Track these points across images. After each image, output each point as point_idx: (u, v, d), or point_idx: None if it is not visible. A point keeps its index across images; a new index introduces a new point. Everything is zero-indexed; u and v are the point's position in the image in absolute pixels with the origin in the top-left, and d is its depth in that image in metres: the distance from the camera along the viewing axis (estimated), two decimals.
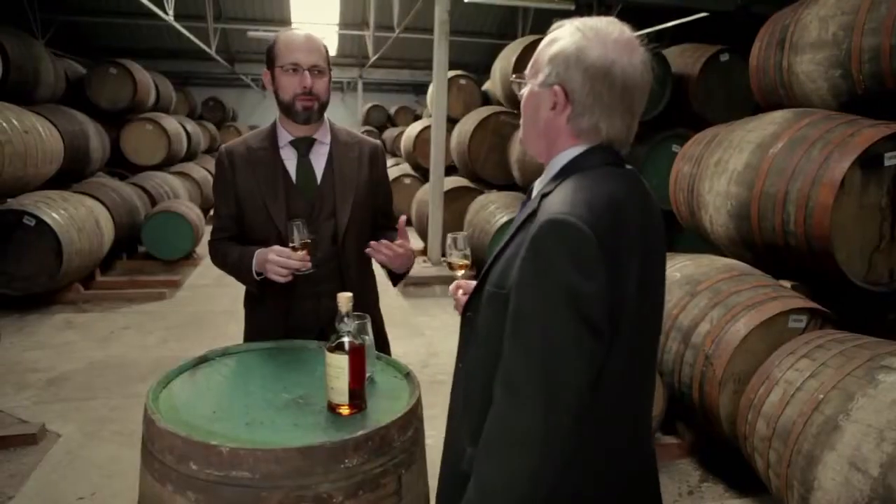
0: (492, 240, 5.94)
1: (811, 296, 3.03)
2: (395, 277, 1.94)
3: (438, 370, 4.33)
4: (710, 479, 3.03)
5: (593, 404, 1.01)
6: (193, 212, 7.53)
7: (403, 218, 1.89)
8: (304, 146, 1.89)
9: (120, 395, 3.83)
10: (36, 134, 5.56)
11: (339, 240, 1.88)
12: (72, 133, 6.49)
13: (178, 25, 8.98)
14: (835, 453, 2.07)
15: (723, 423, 2.86)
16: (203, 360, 1.69)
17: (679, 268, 3.41)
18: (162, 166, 8.87)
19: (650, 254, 1.06)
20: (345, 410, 1.38)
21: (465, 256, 1.53)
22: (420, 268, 6.70)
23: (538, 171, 1.16)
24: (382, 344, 1.96)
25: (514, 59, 6.63)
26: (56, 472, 2.96)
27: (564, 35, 1.07)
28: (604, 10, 7.58)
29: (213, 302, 5.88)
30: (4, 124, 5.14)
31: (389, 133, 14.38)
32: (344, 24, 13.96)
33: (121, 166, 8.40)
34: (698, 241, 4.21)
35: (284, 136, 1.90)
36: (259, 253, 1.77)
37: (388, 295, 6.36)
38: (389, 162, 11.17)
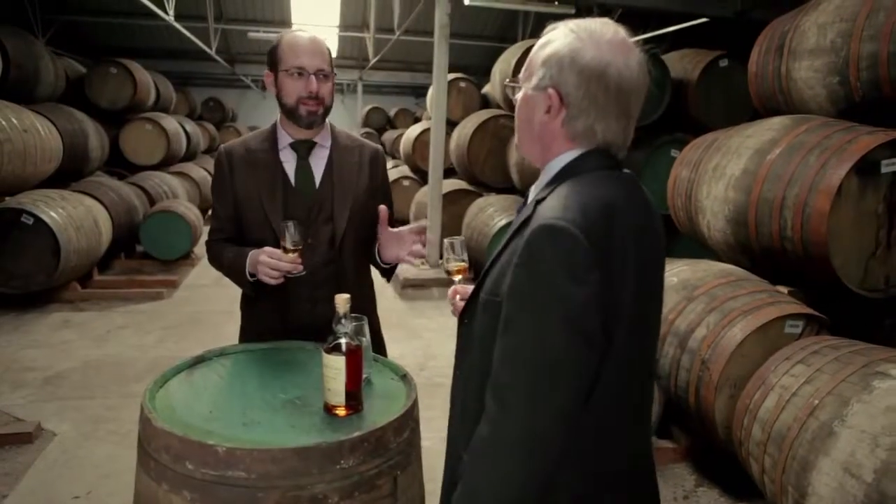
0: (490, 242, 5.94)
1: (807, 302, 3.04)
2: (386, 272, 1.94)
3: (436, 373, 4.33)
4: (705, 484, 3.03)
5: (588, 412, 0.99)
6: (192, 212, 7.53)
7: (383, 208, 1.83)
8: (303, 149, 1.87)
9: (116, 395, 3.83)
10: (35, 132, 5.56)
11: (337, 244, 1.86)
12: (71, 132, 6.49)
13: (178, 26, 8.99)
14: (829, 459, 2.08)
15: (718, 427, 2.86)
16: (200, 360, 1.69)
17: (676, 272, 3.42)
18: (161, 166, 8.87)
19: (647, 260, 1.04)
20: (341, 411, 1.38)
21: (463, 261, 1.53)
22: (418, 270, 6.71)
23: (537, 174, 1.16)
24: (379, 347, 1.95)
25: (513, 62, 6.64)
26: (51, 471, 2.96)
27: (558, 37, 1.06)
28: (604, 15, 7.59)
29: (210, 302, 5.87)
30: (4, 123, 5.14)
31: (389, 135, 14.39)
32: (344, 26, 13.97)
33: (120, 166, 8.40)
34: (696, 246, 4.22)
35: (284, 139, 1.88)
36: (252, 254, 1.75)
37: (386, 297, 6.33)
38: (388, 164, 11.17)
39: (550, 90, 1.05)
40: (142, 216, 7.15)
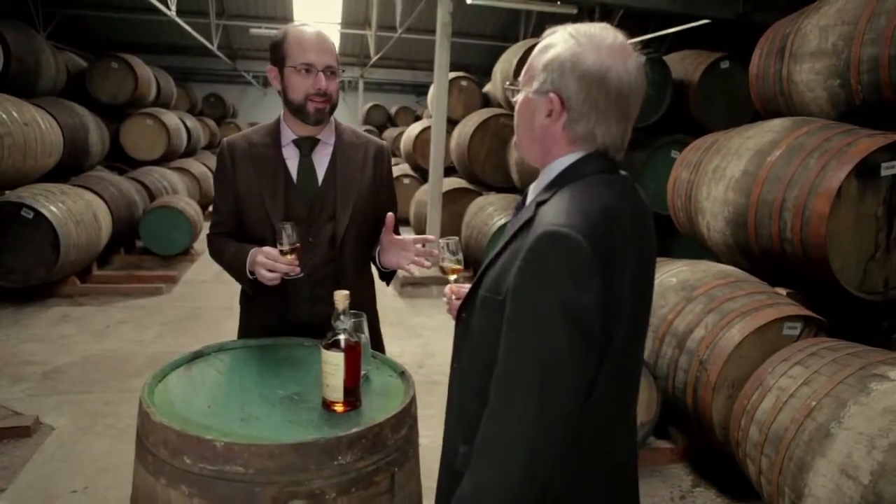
0: (489, 241, 5.95)
1: (806, 304, 3.04)
2: (386, 276, 1.94)
3: (434, 370, 4.34)
4: (702, 485, 3.04)
5: (587, 408, 1.02)
6: (192, 208, 7.52)
7: (391, 215, 1.81)
8: (307, 146, 1.85)
9: (115, 390, 3.83)
10: (36, 126, 5.56)
11: (338, 243, 1.84)
12: (71, 126, 6.48)
13: (180, 21, 8.98)
14: (826, 460, 2.08)
15: (716, 428, 2.87)
16: (199, 355, 1.69)
17: (675, 273, 3.42)
18: (161, 161, 8.86)
19: (642, 261, 1.08)
20: (339, 408, 1.38)
21: (458, 261, 1.54)
22: (418, 269, 6.70)
23: (537, 173, 1.17)
24: (378, 344, 1.94)
25: (515, 61, 6.64)
26: (50, 465, 2.96)
27: (558, 42, 1.07)
28: (605, 15, 7.60)
29: (209, 298, 5.88)
30: (4, 116, 5.14)
31: (389, 133, 14.38)
32: (346, 24, 13.96)
33: (120, 160, 8.40)
34: (695, 246, 4.23)
35: (288, 135, 1.85)
36: (252, 252, 1.74)
37: (385, 295, 6.32)
38: None
39: (552, 94, 1.07)
40: (142, 211, 7.14)
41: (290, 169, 1.85)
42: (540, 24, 10.76)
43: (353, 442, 1.26)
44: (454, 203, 7.30)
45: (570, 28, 1.08)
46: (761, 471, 2.41)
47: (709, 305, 3.05)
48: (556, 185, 1.08)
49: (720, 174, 3.53)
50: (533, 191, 1.16)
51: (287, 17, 13.46)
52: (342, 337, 1.35)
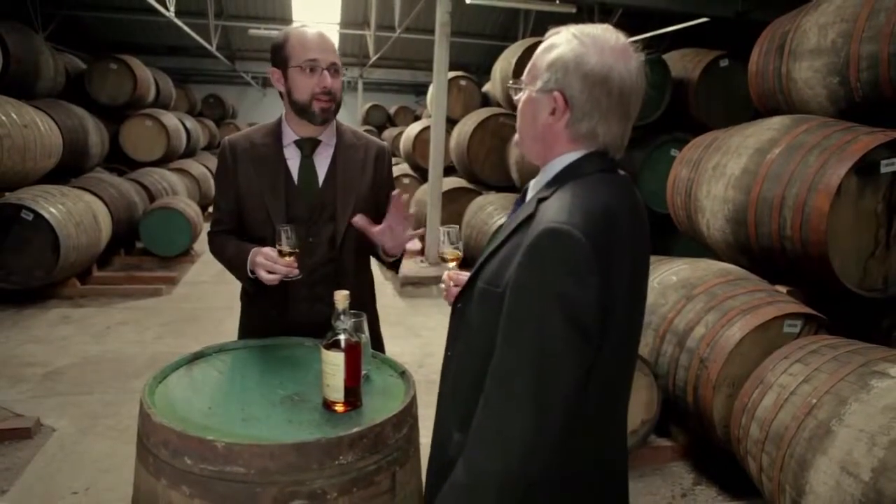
0: (489, 241, 5.94)
1: (806, 301, 3.04)
2: (394, 265, 1.94)
3: (434, 370, 4.33)
4: (703, 483, 3.04)
5: (582, 401, 1.05)
6: (191, 208, 7.52)
7: (398, 192, 1.77)
8: (308, 146, 1.85)
9: (115, 391, 3.83)
10: (35, 128, 5.56)
11: (338, 243, 1.85)
12: (71, 128, 6.48)
13: (179, 22, 8.98)
14: (827, 458, 2.08)
15: (716, 426, 2.87)
16: (199, 355, 1.69)
17: (675, 271, 3.42)
18: (161, 162, 8.86)
19: (639, 259, 1.11)
20: (340, 408, 1.38)
21: (458, 249, 1.56)
22: (418, 268, 6.71)
23: (536, 172, 1.18)
24: (378, 344, 1.95)
25: (514, 60, 6.64)
26: (51, 466, 2.96)
27: (562, 42, 1.10)
28: (605, 14, 7.60)
29: (209, 299, 5.88)
30: (4, 118, 5.14)
31: (389, 133, 14.38)
32: (345, 24, 13.96)
33: (120, 162, 8.40)
34: (695, 245, 4.22)
35: (289, 135, 1.86)
36: (252, 253, 1.75)
37: (385, 295, 6.33)
38: None
39: (555, 93, 1.09)
40: (141, 212, 7.14)
41: (291, 169, 1.86)
42: (539, 23, 10.77)
43: (354, 442, 1.26)
44: (454, 202, 7.30)
45: (574, 29, 1.10)
46: (762, 468, 2.41)
47: (709, 303, 3.05)
48: (557, 182, 1.11)
49: (720, 172, 3.53)
50: (533, 187, 1.19)
51: (286, 18, 13.47)
52: (342, 337, 1.35)
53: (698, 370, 2.93)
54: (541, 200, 1.08)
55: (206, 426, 1.30)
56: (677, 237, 4.81)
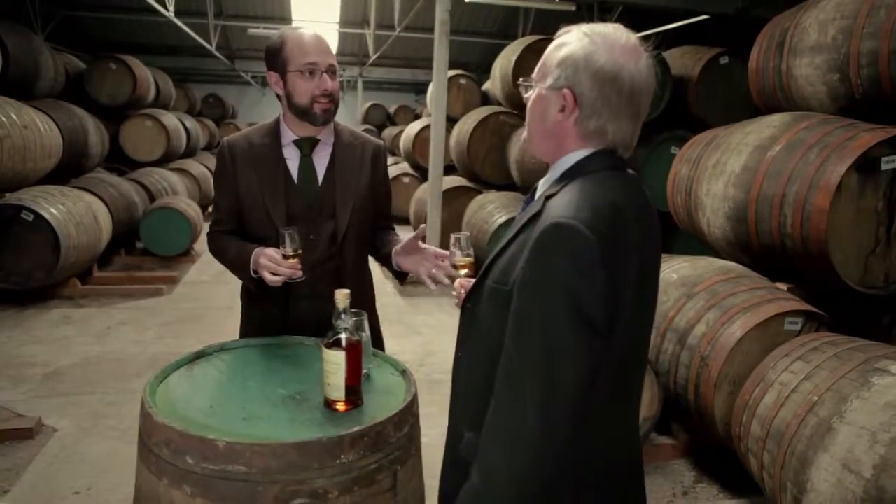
0: (490, 239, 5.94)
1: (807, 299, 3.04)
2: (401, 275, 1.96)
3: (435, 369, 4.34)
4: (704, 480, 3.04)
5: (592, 397, 1.04)
6: (192, 208, 7.53)
7: (423, 228, 1.85)
8: (307, 146, 1.87)
9: (116, 391, 3.83)
10: (35, 129, 5.56)
11: (338, 241, 1.87)
12: (71, 128, 6.48)
13: (178, 22, 8.97)
14: (828, 455, 2.08)
15: (717, 424, 2.87)
16: (200, 355, 1.69)
17: (676, 269, 3.42)
18: (161, 162, 8.86)
19: (647, 256, 1.10)
20: (341, 406, 1.38)
21: (468, 256, 1.55)
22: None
23: (536, 171, 1.18)
24: (378, 343, 1.96)
25: (514, 59, 6.63)
26: (52, 467, 2.96)
27: (572, 40, 1.10)
28: (604, 12, 7.59)
29: (210, 298, 5.88)
30: (3, 119, 5.13)
31: (389, 132, 14.37)
32: (344, 23, 13.95)
33: (119, 162, 8.40)
34: (696, 242, 4.22)
35: (288, 135, 1.88)
36: (255, 253, 1.77)
37: (386, 293, 6.32)
38: (388, 161, 11.16)
39: (565, 90, 1.09)
40: (142, 212, 7.14)
41: (291, 169, 1.88)
42: (538, 21, 10.76)
43: (356, 440, 1.26)
44: (454, 201, 7.29)
45: (585, 27, 1.11)
46: (763, 466, 2.41)
47: (710, 301, 3.05)
48: (565, 179, 1.11)
49: (720, 170, 3.53)
50: (542, 185, 1.19)
51: (285, 17, 13.45)
52: (343, 336, 1.35)
53: (699, 368, 2.93)
54: (548, 198, 1.09)
55: (208, 425, 1.30)
56: (678, 235, 4.81)
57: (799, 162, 3.02)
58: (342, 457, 1.24)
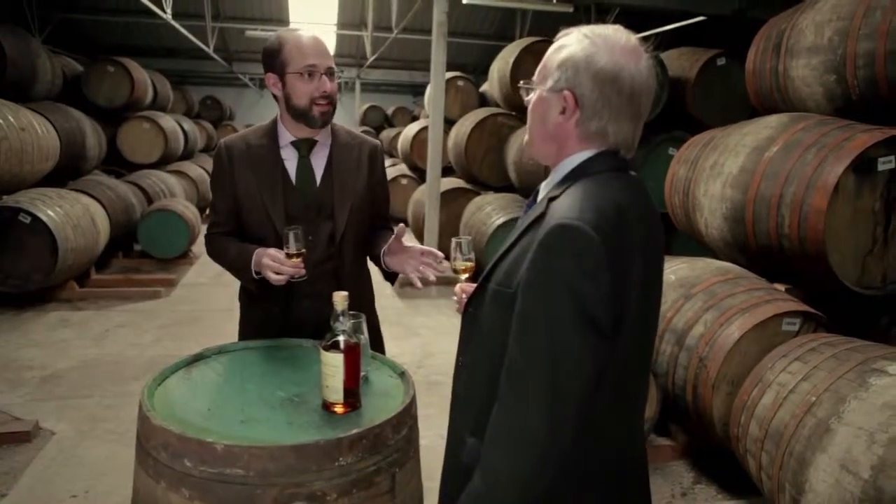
0: (488, 241, 5.94)
1: (804, 299, 3.04)
2: (391, 276, 1.95)
3: (434, 370, 4.34)
4: (703, 481, 3.04)
5: (597, 398, 1.04)
6: (190, 210, 7.52)
7: (402, 227, 1.86)
8: (305, 147, 1.88)
9: (114, 394, 3.82)
10: (32, 131, 5.55)
11: (337, 241, 1.88)
12: (68, 130, 6.47)
13: (176, 24, 8.97)
14: (826, 455, 2.08)
15: (716, 425, 2.87)
16: (199, 357, 1.69)
17: (674, 270, 3.42)
18: (158, 165, 8.85)
19: (651, 258, 1.10)
20: (339, 409, 1.38)
21: (469, 260, 1.55)
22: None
23: (535, 173, 1.18)
24: (377, 344, 1.96)
25: (511, 60, 6.63)
26: (50, 470, 2.96)
27: (572, 42, 1.10)
28: (601, 13, 7.60)
29: (208, 300, 5.87)
30: (1, 121, 5.12)
31: (387, 133, 14.38)
32: (342, 25, 13.95)
33: (117, 164, 8.39)
34: (693, 243, 4.23)
35: (286, 136, 1.88)
36: (256, 254, 1.78)
37: (384, 295, 6.31)
38: (386, 162, 11.17)
39: (566, 92, 1.09)
40: (139, 215, 7.13)
41: (289, 169, 1.88)
42: (536, 23, 10.76)
43: (354, 443, 1.26)
44: (452, 203, 7.29)
45: (585, 29, 1.11)
46: (762, 467, 2.41)
47: (708, 302, 3.05)
48: (568, 181, 1.11)
49: (717, 171, 3.53)
50: (544, 188, 1.19)
51: (283, 19, 13.45)
52: (341, 338, 1.35)
53: (697, 369, 2.93)
54: (551, 199, 1.09)
55: (206, 428, 1.30)
56: (675, 236, 4.81)
57: (796, 163, 3.03)
58: (340, 459, 1.24)
